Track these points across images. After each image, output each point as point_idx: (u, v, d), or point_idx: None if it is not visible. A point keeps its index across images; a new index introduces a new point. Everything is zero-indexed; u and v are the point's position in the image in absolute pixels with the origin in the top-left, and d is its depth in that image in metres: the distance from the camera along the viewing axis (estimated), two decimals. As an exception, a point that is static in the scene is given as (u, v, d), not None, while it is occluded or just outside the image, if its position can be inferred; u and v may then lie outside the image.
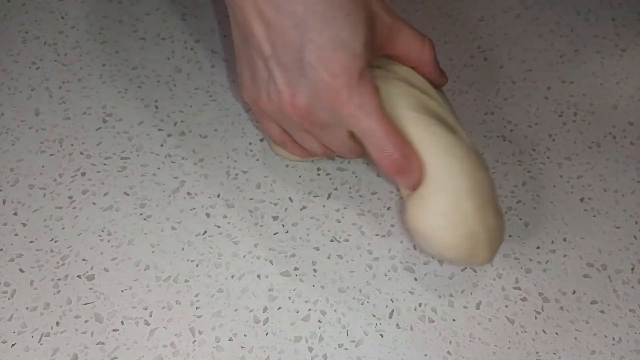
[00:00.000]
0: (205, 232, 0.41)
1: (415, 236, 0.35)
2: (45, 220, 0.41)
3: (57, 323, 0.37)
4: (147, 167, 0.44)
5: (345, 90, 0.31)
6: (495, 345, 0.37)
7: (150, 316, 0.37)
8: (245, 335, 0.37)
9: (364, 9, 0.31)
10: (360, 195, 0.43)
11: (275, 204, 0.42)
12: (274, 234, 0.41)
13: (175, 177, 0.43)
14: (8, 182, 0.43)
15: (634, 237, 0.42)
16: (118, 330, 0.37)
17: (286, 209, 0.42)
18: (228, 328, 0.37)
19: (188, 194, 0.43)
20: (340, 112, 0.32)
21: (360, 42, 0.30)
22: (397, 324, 0.38)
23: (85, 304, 0.38)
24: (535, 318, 0.38)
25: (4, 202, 0.42)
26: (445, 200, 0.33)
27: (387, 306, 0.38)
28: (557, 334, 0.37)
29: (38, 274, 0.39)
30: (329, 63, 0.30)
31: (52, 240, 0.40)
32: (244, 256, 0.40)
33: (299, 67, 0.31)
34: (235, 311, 0.38)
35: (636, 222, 0.42)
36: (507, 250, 0.41)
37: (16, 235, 0.40)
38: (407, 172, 0.32)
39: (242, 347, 0.36)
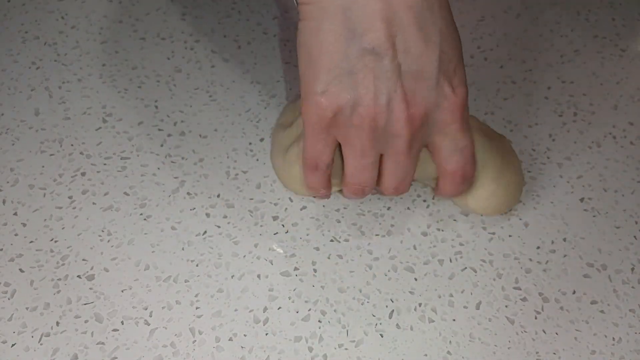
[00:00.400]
0: (205, 232, 0.41)
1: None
2: (45, 220, 0.41)
3: (57, 323, 0.37)
4: (147, 167, 0.44)
5: (464, 105, 0.33)
6: (495, 345, 0.37)
7: (150, 316, 0.37)
8: (245, 335, 0.37)
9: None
10: (360, 195, 0.43)
11: (275, 204, 0.42)
12: (274, 234, 0.41)
13: (175, 177, 0.43)
14: (8, 182, 0.43)
15: (634, 237, 0.42)
16: (118, 330, 0.37)
17: (286, 209, 0.42)
18: (228, 328, 0.37)
19: (188, 194, 0.43)
20: (452, 120, 0.33)
21: (465, 76, 0.34)
22: (397, 324, 0.38)
23: (85, 304, 0.38)
24: (535, 318, 0.38)
25: (4, 202, 0.42)
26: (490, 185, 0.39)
27: (387, 306, 0.38)
28: (557, 334, 0.37)
29: (38, 274, 0.39)
30: (458, 83, 0.33)
31: (52, 240, 0.40)
32: (244, 256, 0.40)
33: (429, 80, 0.32)
34: (235, 311, 0.38)
35: (636, 222, 0.42)
36: (507, 250, 0.41)
37: (16, 235, 0.40)
38: (467, 184, 0.37)
39: (242, 347, 0.36)
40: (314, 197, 0.40)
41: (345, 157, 0.35)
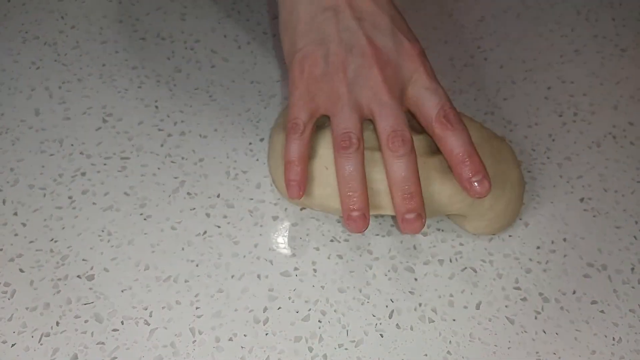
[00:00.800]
0: (205, 232, 0.41)
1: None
2: (45, 220, 0.41)
3: (57, 323, 0.37)
4: (147, 167, 0.44)
5: (423, 56, 0.38)
6: (496, 345, 0.37)
7: (150, 316, 0.37)
8: (245, 336, 0.37)
9: None
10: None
11: (275, 204, 0.42)
12: (274, 234, 0.41)
13: (175, 177, 0.43)
14: (8, 182, 0.43)
15: (634, 237, 0.42)
16: (118, 330, 0.37)
17: (286, 209, 0.42)
18: (228, 328, 0.37)
19: (188, 194, 0.43)
20: (415, 66, 0.37)
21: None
22: (397, 324, 0.38)
23: (85, 304, 0.38)
24: (536, 318, 0.38)
25: (4, 202, 0.42)
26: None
27: (387, 306, 0.38)
28: (557, 334, 0.37)
29: (38, 274, 0.39)
30: (410, 36, 0.38)
31: (52, 240, 0.40)
32: (244, 256, 0.40)
33: (386, 30, 0.37)
34: (235, 311, 0.38)
35: (636, 222, 0.42)
36: (507, 250, 0.41)
37: (16, 235, 0.40)
38: (457, 123, 0.37)
39: (242, 347, 0.36)
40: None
41: (330, 114, 0.37)
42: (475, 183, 0.36)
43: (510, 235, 0.41)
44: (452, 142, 0.36)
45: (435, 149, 0.39)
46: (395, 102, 0.36)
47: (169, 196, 0.42)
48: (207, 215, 0.42)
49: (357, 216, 0.36)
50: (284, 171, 0.38)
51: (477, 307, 0.38)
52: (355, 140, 0.36)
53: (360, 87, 0.37)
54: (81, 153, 0.44)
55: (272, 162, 0.42)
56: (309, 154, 0.38)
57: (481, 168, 0.36)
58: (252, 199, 0.42)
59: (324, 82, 0.37)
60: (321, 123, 0.40)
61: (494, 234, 0.41)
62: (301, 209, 0.42)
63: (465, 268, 0.40)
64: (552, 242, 0.41)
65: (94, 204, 0.42)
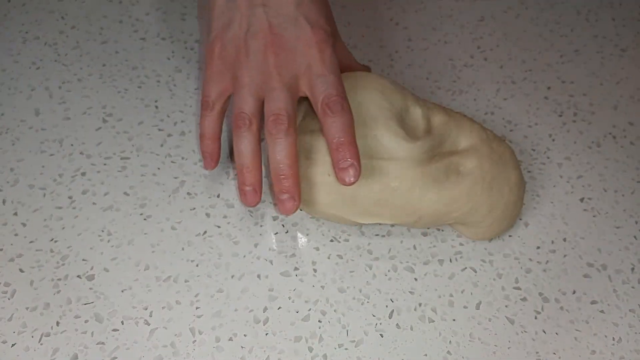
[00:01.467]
0: (205, 232, 0.41)
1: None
2: (45, 220, 0.41)
3: (57, 323, 0.37)
4: (147, 167, 0.44)
5: (324, 43, 0.38)
6: (495, 345, 0.37)
7: (150, 316, 0.37)
8: (245, 335, 0.37)
9: (329, 8, 0.41)
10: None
11: (275, 204, 0.42)
12: (274, 234, 0.41)
13: (175, 177, 0.43)
14: (8, 182, 0.43)
15: (634, 237, 0.42)
16: (118, 330, 0.37)
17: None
18: (228, 328, 0.37)
19: (188, 194, 0.43)
20: (312, 53, 0.38)
21: (331, 26, 0.40)
22: (397, 324, 0.38)
23: (85, 304, 0.38)
24: (535, 318, 0.38)
25: (4, 202, 0.42)
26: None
27: (387, 306, 0.38)
28: (557, 334, 0.38)
29: (38, 274, 0.39)
30: (315, 22, 0.38)
31: (52, 240, 0.40)
32: (244, 256, 0.40)
33: (287, 16, 0.38)
34: (235, 311, 0.38)
35: (636, 222, 0.42)
36: (507, 250, 0.41)
37: (16, 235, 0.40)
38: (338, 110, 0.37)
39: (242, 347, 0.36)
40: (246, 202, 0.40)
41: (233, 94, 0.39)
42: (343, 169, 0.36)
43: (510, 235, 0.42)
44: (330, 129, 0.37)
45: (433, 155, 0.39)
46: (283, 86, 0.37)
47: (169, 196, 0.42)
48: (207, 215, 0.42)
49: (249, 191, 0.38)
50: (200, 145, 0.41)
51: (477, 307, 0.38)
52: (247, 120, 0.38)
53: (255, 71, 0.38)
54: (81, 153, 0.44)
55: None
56: (221, 130, 0.40)
57: (351, 155, 0.36)
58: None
59: (229, 65, 0.39)
60: (318, 128, 0.40)
61: (496, 236, 0.41)
62: (301, 209, 0.42)
63: (465, 268, 0.40)
64: (552, 242, 0.41)
65: (94, 204, 0.42)
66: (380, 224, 0.41)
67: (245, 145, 0.38)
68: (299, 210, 0.42)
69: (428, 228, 0.41)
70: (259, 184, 0.38)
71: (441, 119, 0.40)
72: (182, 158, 0.44)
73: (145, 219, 0.41)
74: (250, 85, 0.38)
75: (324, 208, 0.39)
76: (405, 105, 0.40)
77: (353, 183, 0.36)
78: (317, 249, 0.41)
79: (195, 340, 0.37)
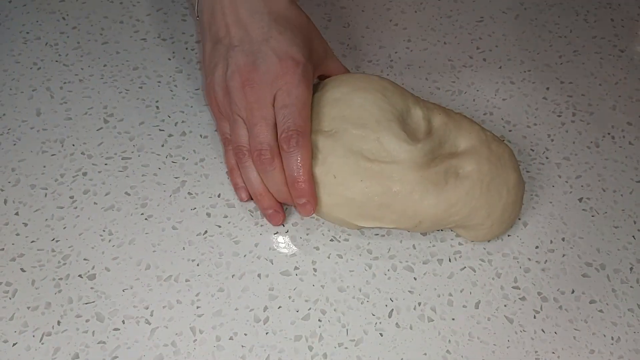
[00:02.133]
0: (206, 231, 0.41)
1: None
2: (46, 220, 0.41)
3: (59, 322, 0.37)
4: (148, 167, 0.44)
5: (291, 74, 0.40)
6: (494, 345, 0.37)
7: (151, 315, 0.37)
8: (245, 335, 0.37)
9: (306, 32, 0.43)
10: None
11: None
12: (274, 233, 0.41)
13: (176, 177, 0.44)
14: (9, 182, 0.43)
15: (633, 236, 0.42)
16: (119, 329, 0.37)
17: (286, 208, 0.42)
18: (228, 327, 0.37)
19: (189, 193, 0.43)
20: (280, 84, 0.40)
21: (302, 52, 0.41)
22: (397, 323, 0.38)
23: (86, 304, 0.38)
24: (534, 317, 0.38)
25: (5, 202, 0.42)
26: None
27: (386, 305, 0.38)
28: (556, 333, 0.38)
29: (39, 273, 0.39)
30: (283, 54, 0.40)
31: (53, 240, 0.40)
32: (245, 256, 0.40)
33: (257, 53, 0.40)
34: (236, 310, 0.38)
35: (635, 222, 0.43)
36: (506, 250, 0.41)
37: (17, 235, 0.40)
38: (293, 146, 0.39)
39: (242, 346, 0.37)
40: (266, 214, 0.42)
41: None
42: (300, 205, 0.39)
43: (509, 235, 0.42)
44: (285, 164, 0.39)
45: (434, 157, 0.39)
46: (260, 120, 0.39)
47: (170, 196, 0.43)
48: (208, 215, 0.42)
49: (271, 213, 0.41)
50: (230, 177, 0.43)
51: (476, 306, 0.39)
52: (246, 151, 0.40)
53: (238, 106, 0.40)
54: (82, 153, 0.45)
55: None
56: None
57: (304, 193, 0.39)
58: (252, 199, 0.43)
59: (221, 105, 0.42)
60: (330, 129, 0.40)
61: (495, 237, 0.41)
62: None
63: (465, 267, 0.40)
64: (551, 242, 0.41)
65: (95, 203, 0.42)
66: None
67: (252, 175, 0.40)
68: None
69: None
70: (277, 204, 0.41)
71: (441, 119, 0.40)
72: (183, 158, 0.45)
73: (146, 219, 0.41)
74: (240, 121, 0.40)
75: (327, 209, 0.39)
76: (407, 107, 0.40)
77: (311, 214, 0.39)
78: (317, 248, 0.41)
79: (196, 340, 0.37)
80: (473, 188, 0.38)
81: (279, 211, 0.41)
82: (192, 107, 0.47)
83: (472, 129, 0.40)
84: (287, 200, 0.40)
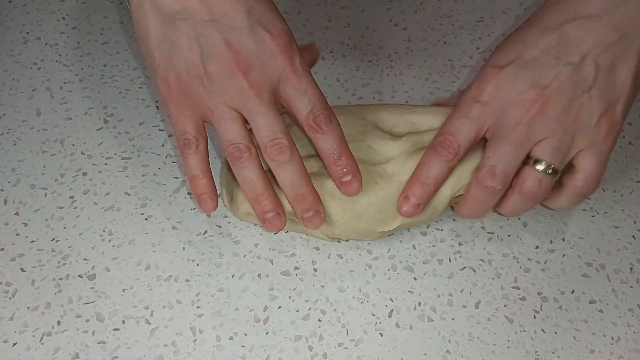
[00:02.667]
0: (206, 231, 0.41)
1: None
2: (46, 220, 0.41)
3: (58, 322, 0.37)
4: (148, 167, 0.44)
5: (289, 49, 0.35)
6: (494, 345, 0.37)
7: (151, 315, 0.37)
8: (245, 335, 0.37)
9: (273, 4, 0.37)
10: (360, 195, 0.43)
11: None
12: (274, 233, 0.41)
13: (176, 177, 0.44)
14: (9, 182, 0.43)
15: (633, 236, 0.42)
16: (119, 329, 0.37)
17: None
18: (228, 327, 0.37)
19: (189, 193, 0.43)
20: (281, 63, 0.35)
21: (286, 24, 0.36)
22: (397, 323, 0.38)
23: (86, 304, 0.38)
24: (534, 317, 0.38)
25: (5, 202, 0.42)
26: None
27: (386, 305, 0.38)
28: (556, 333, 0.38)
29: (39, 273, 0.39)
30: (275, 30, 0.35)
31: (53, 240, 0.40)
32: (245, 256, 0.40)
33: (241, 28, 0.34)
34: (236, 310, 0.38)
35: (635, 222, 0.43)
36: (506, 250, 0.41)
37: (17, 235, 0.40)
38: (327, 125, 0.35)
39: (242, 346, 0.37)
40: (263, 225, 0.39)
41: (212, 124, 0.36)
42: (346, 182, 0.36)
43: (509, 235, 0.42)
44: (322, 145, 0.36)
45: (421, 146, 0.39)
46: (266, 107, 0.35)
47: (170, 196, 0.43)
48: (208, 215, 0.42)
49: (271, 217, 0.37)
50: (190, 187, 0.38)
51: (476, 306, 0.39)
52: (244, 148, 0.35)
53: (228, 95, 0.35)
54: (82, 153, 0.45)
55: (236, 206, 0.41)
56: (209, 166, 0.38)
57: (350, 168, 0.36)
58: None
59: (193, 95, 0.35)
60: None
61: None
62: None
63: (464, 267, 0.40)
64: (551, 242, 0.41)
65: (95, 203, 0.42)
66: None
67: (252, 175, 0.36)
68: (296, 232, 0.41)
69: (439, 220, 0.42)
70: (281, 206, 0.37)
71: (406, 118, 0.41)
72: (183, 158, 0.45)
73: (146, 219, 0.41)
74: (231, 113, 0.35)
75: (347, 223, 0.39)
76: (374, 121, 0.41)
77: (358, 192, 0.36)
78: (317, 248, 0.41)
79: (196, 340, 0.37)
80: (468, 157, 0.38)
81: (281, 214, 0.37)
82: (192, 107, 0.47)
83: (436, 109, 0.41)
84: (301, 194, 0.36)
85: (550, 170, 0.34)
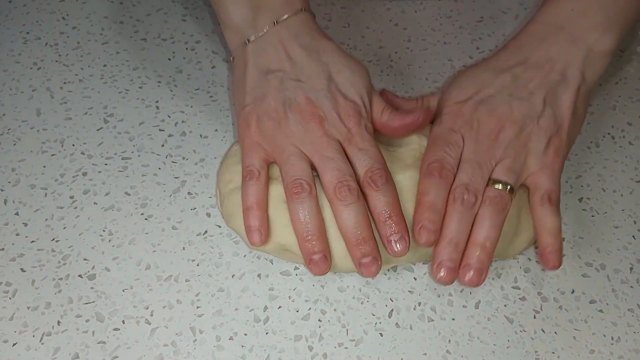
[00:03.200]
0: (206, 231, 0.41)
1: None
2: (46, 220, 0.41)
3: (59, 322, 0.37)
4: (148, 167, 0.44)
5: (357, 115, 0.39)
6: (494, 345, 0.37)
7: (151, 315, 0.37)
8: (245, 335, 0.37)
9: (360, 73, 0.41)
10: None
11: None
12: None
13: (176, 177, 0.44)
14: (9, 182, 0.43)
15: (633, 236, 0.42)
16: (119, 329, 0.37)
17: (286, 208, 0.42)
18: (228, 327, 0.37)
19: (189, 193, 0.43)
20: (349, 124, 0.39)
21: (361, 92, 0.40)
22: (397, 323, 0.38)
23: (86, 304, 0.38)
24: (534, 317, 0.38)
25: (5, 202, 0.42)
26: None
27: (386, 305, 0.38)
28: (556, 333, 0.38)
29: (39, 273, 0.39)
30: (348, 97, 0.40)
31: (53, 240, 0.40)
32: (245, 256, 0.40)
33: (320, 90, 0.40)
34: (236, 310, 0.38)
35: (635, 222, 0.43)
36: (506, 250, 0.41)
37: (17, 235, 0.40)
38: (382, 184, 0.38)
39: (242, 346, 0.37)
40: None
41: (278, 164, 0.39)
42: (393, 242, 0.37)
43: (509, 235, 0.42)
44: (375, 202, 0.37)
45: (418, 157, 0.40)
46: (337, 154, 0.38)
47: (170, 196, 0.43)
48: (208, 215, 0.42)
49: (319, 259, 0.37)
50: (244, 217, 0.38)
51: (476, 306, 0.39)
52: (306, 185, 0.37)
53: (302, 141, 0.39)
54: (82, 153, 0.45)
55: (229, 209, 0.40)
56: (267, 199, 0.39)
57: (399, 228, 0.37)
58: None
59: (268, 135, 0.39)
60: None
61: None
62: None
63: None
64: (551, 242, 0.41)
65: (95, 203, 0.42)
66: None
67: (307, 213, 0.37)
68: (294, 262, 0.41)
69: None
70: (327, 250, 0.37)
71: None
72: (183, 158, 0.45)
73: (146, 219, 0.41)
74: (301, 154, 0.38)
75: (337, 260, 0.38)
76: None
77: (404, 253, 0.37)
78: (317, 248, 0.41)
79: (196, 340, 0.37)
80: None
81: (328, 258, 0.37)
82: (192, 107, 0.47)
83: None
84: (363, 238, 0.37)
85: (508, 187, 0.38)
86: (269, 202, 0.38)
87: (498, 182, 0.38)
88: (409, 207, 0.38)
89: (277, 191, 0.38)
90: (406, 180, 0.39)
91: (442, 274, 0.36)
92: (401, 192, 0.38)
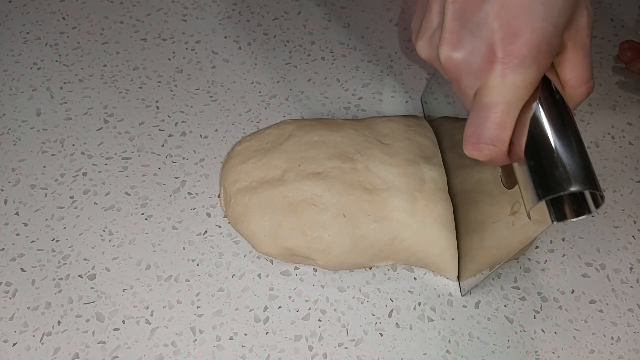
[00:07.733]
0: (206, 231, 0.41)
1: None
2: (46, 220, 0.41)
3: (59, 322, 0.37)
4: (148, 167, 0.44)
5: (502, 63, 0.28)
6: (494, 344, 0.37)
7: (151, 315, 0.37)
8: (245, 334, 0.37)
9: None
10: (360, 195, 0.43)
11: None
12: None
13: (176, 177, 0.44)
14: (9, 182, 0.43)
15: (633, 236, 0.42)
16: (119, 329, 0.37)
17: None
18: (229, 327, 0.37)
19: (189, 193, 0.43)
20: (482, 83, 0.29)
21: (550, 21, 0.27)
22: (397, 323, 0.38)
23: (86, 304, 0.38)
24: (534, 317, 0.38)
25: (5, 202, 0.42)
26: None
27: (386, 305, 0.38)
28: (556, 333, 0.38)
29: (39, 273, 0.39)
30: (505, 24, 0.27)
31: (53, 240, 0.40)
32: (245, 255, 0.40)
33: (472, 21, 0.28)
34: (236, 310, 0.38)
35: (634, 222, 0.43)
36: (506, 250, 0.41)
37: (17, 235, 0.40)
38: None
39: (242, 346, 0.37)
40: None
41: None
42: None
43: (509, 235, 0.42)
44: None
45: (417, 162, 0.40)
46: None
47: (170, 196, 0.43)
48: (208, 215, 0.42)
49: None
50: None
51: (476, 306, 0.39)
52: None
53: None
54: (82, 153, 0.45)
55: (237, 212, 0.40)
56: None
57: None
58: None
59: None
60: (322, 171, 0.39)
61: None
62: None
63: (465, 267, 0.40)
64: (551, 242, 0.42)
65: (95, 203, 0.42)
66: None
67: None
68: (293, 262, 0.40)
69: None
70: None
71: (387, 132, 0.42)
72: (183, 158, 0.45)
73: (146, 219, 0.42)
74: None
75: (343, 257, 0.38)
76: (373, 136, 0.42)
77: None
78: (317, 248, 0.41)
79: (196, 339, 0.37)
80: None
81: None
82: (192, 107, 0.47)
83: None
84: None
85: None
86: (274, 206, 0.38)
87: None
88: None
89: (282, 194, 0.38)
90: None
91: None
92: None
